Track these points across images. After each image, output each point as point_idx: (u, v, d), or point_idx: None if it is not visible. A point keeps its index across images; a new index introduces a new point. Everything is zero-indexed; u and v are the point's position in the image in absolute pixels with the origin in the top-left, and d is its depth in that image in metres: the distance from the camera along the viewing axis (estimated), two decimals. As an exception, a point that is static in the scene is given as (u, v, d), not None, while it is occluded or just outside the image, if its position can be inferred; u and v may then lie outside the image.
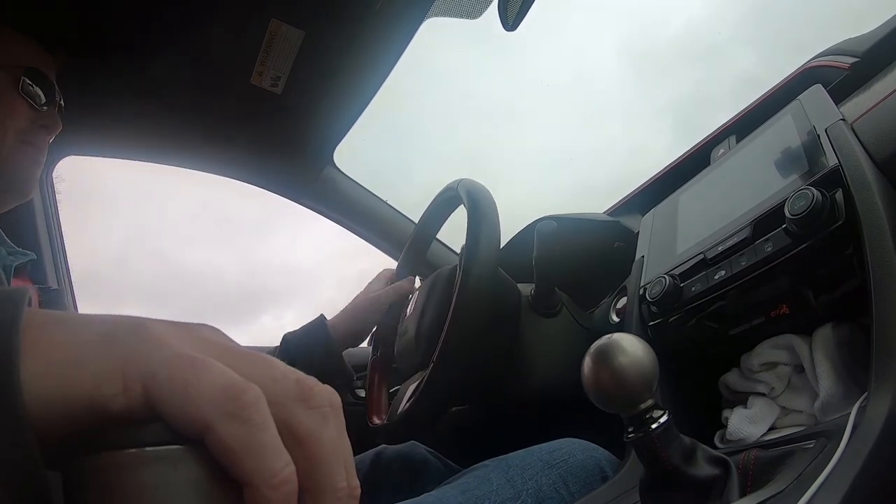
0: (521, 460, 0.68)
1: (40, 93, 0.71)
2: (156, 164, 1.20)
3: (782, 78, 0.88)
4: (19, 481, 0.18)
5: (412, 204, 1.34)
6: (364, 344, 1.01)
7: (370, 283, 1.00)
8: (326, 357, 0.92)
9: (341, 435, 0.23)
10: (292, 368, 0.23)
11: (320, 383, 0.23)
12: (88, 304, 0.85)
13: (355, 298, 0.99)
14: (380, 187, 1.37)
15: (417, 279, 1.01)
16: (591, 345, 0.47)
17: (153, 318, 0.22)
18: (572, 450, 0.69)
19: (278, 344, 0.95)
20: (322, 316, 0.96)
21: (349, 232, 1.41)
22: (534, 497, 0.63)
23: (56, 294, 0.77)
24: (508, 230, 1.13)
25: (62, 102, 0.77)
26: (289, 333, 0.95)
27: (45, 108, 0.72)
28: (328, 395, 0.23)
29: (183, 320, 0.23)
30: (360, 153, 1.36)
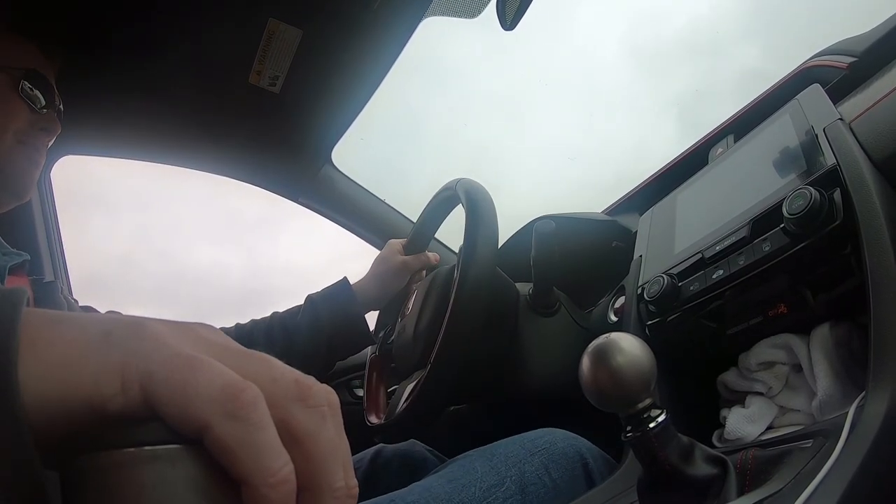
0: (504, 448, 0.69)
1: (40, 95, 0.72)
2: (158, 165, 1.20)
3: (782, 77, 0.88)
4: (18, 482, 0.18)
5: (414, 203, 1.34)
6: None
7: (382, 254, 1.00)
8: (352, 318, 0.93)
9: (339, 434, 0.23)
10: (291, 368, 0.23)
11: (319, 383, 0.23)
12: (93, 306, 0.85)
13: (374, 266, 0.99)
14: (380, 186, 1.37)
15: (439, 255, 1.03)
16: (589, 344, 0.47)
17: (152, 317, 0.22)
18: (553, 438, 0.71)
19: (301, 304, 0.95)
20: (345, 278, 0.96)
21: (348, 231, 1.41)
22: (517, 483, 0.65)
23: (50, 287, 0.76)
24: (514, 228, 1.13)
25: (62, 107, 0.77)
26: (313, 294, 0.95)
27: (45, 110, 0.73)
28: (326, 394, 0.23)
29: (185, 320, 0.23)
30: (360, 152, 1.36)
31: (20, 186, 0.72)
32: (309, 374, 0.23)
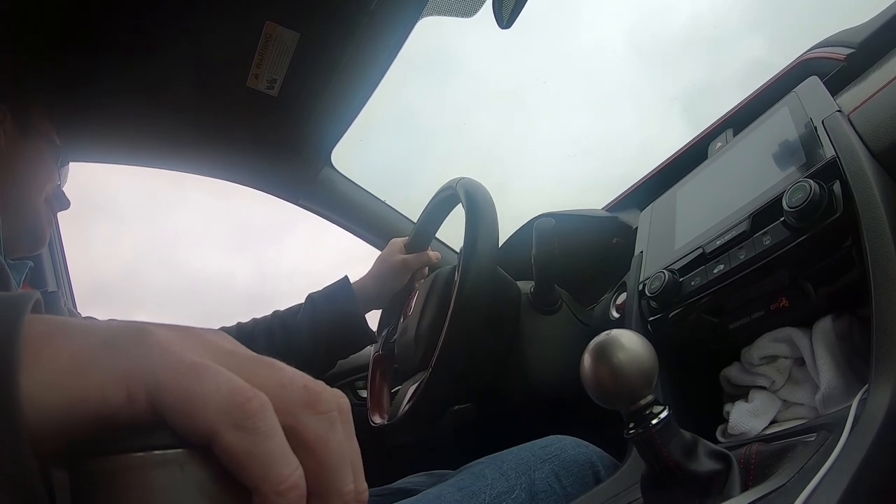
0: (514, 456, 0.70)
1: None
2: (162, 173, 1.20)
3: (780, 70, 0.88)
4: (17, 497, 0.18)
5: (415, 203, 1.34)
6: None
7: (383, 253, 1.01)
8: (352, 317, 0.93)
9: (349, 438, 0.23)
10: (300, 373, 0.23)
11: (328, 388, 0.23)
12: (100, 314, 0.87)
13: (375, 265, 0.99)
14: (380, 187, 1.37)
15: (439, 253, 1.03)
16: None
17: (157, 322, 0.22)
18: (563, 445, 0.71)
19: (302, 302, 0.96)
20: (346, 277, 0.97)
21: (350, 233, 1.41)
22: (527, 491, 0.65)
23: (52, 297, 0.78)
24: (518, 227, 1.13)
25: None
26: (313, 293, 0.96)
27: (60, 181, 0.86)
28: (336, 399, 0.23)
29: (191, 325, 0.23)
30: (360, 153, 1.35)
31: (40, 239, 0.83)
32: (309, 373, 0.23)
